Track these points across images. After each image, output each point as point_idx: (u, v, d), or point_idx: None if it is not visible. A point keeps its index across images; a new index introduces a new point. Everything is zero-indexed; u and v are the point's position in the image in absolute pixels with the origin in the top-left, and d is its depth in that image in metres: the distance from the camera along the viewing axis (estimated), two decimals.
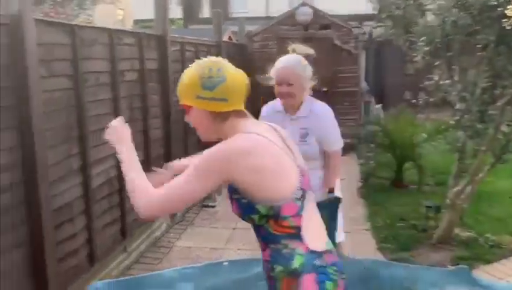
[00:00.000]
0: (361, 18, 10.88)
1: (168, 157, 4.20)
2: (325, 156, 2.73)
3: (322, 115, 2.71)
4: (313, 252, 1.45)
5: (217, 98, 1.45)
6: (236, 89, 1.48)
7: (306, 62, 2.64)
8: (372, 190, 5.56)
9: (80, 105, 3.08)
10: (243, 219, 1.50)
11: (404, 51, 4.20)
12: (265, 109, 2.87)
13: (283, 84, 2.61)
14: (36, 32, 2.59)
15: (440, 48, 3.55)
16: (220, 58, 1.53)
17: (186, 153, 3.84)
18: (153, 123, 4.21)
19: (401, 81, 10.05)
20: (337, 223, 2.46)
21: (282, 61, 2.64)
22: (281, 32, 8.01)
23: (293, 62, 2.62)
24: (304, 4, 8.37)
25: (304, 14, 8.15)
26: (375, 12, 4.78)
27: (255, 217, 1.45)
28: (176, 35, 5.06)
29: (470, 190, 3.93)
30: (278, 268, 1.46)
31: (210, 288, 2.35)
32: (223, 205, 4.97)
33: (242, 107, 1.52)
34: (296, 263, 1.44)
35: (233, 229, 4.43)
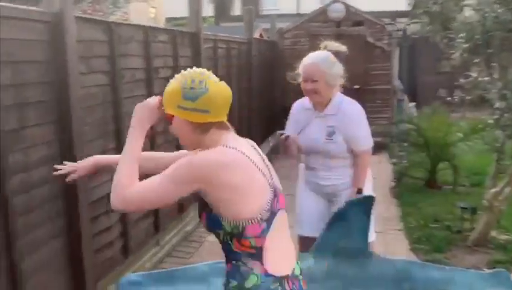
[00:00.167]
0: (395, 14, 10.68)
1: None
2: (354, 156, 2.69)
3: (350, 114, 2.65)
4: (270, 275, 1.46)
5: (198, 109, 1.44)
6: (218, 101, 1.46)
7: (335, 59, 2.60)
8: (405, 190, 5.46)
9: (116, 101, 3.15)
10: (210, 231, 1.52)
11: (441, 48, 4.10)
12: (294, 106, 2.86)
13: (308, 80, 2.60)
14: (76, 30, 2.66)
15: (480, 44, 3.44)
16: (204, 70, 1.51)
17: None
18: None
19: (435, 79, 9.81)
20: (371, 223, 2.42)
21: (308, 58, 2.62)
22: (312, 29, 7.96)
23: (319, 59, 2.59)
24: (336, 1, 8.28)
25: (336, 11, 8.07)
26: (410, 8, 4.68)
27: (220, 232, 1.47)
28: (209, 33, 5.10)
29: (509, 191, 3.80)
30: (232, 283, 1.48)
31: None
32: None
33: (224, 119, 1.51)
34: (250, 282, 1.45)
35: None
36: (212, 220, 1.46)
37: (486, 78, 3.71)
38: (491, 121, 3.78)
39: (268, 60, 7.71)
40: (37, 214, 2.43)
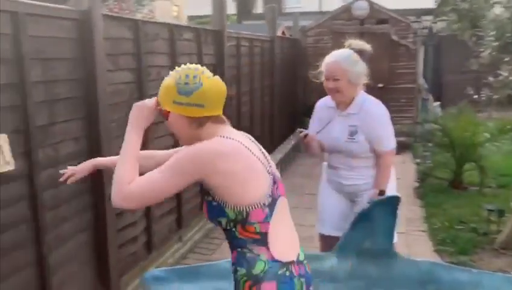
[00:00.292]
0: (419, 12, 10.52)
1: None
2: (376, 156, 2.65)
3: (373, 113, 2.61)
4: (277, 261, 1.48)
5: (193, 103, 1.46)
6: (213, 95, 1.49)
7: (358, 57, 2.56)
8: (429, 191, 5.37)
9: (142, 98, 3.17)
10: (211, 221, 1.53)
11: (469, 46, 4.01)
12: (318, 104, 2.84)
13: (330, 79, 2.57)
14: (103, 27, 2.70)
15: (510, 42, 3.36)
16: (198, 66, 1.53)
17: None
18: None
19: (461, 78, 9.61)
20: (396, 223, 2.39)
21: (331, 56, 2.60)
22: (335, 27, 7.89)
23: (341, 57, 2.56)
24: None
25: (360, 9, 7.98)
26: (435, 6, 4.59)
27: (223, 220, 1.48)
28: (232, 31, 5.11)
29: None
30: (241, 271, 1.50)
31: None
32: None
33: (219, 113, 1.53)
34: (258, 269, 1.47)
35: None
36: (215, 208, 1.48)
37: None
38: None
39: (290, 58, 7.68)
40: (64, 208, 2.48)
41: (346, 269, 2.30)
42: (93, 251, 2.74)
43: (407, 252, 3.29)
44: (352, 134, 2.61)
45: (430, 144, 6.23)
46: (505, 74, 3.70)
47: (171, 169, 1.44)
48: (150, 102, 1.57)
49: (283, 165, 6.31)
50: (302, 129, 2.70)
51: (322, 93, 2.77)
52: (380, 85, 7.26)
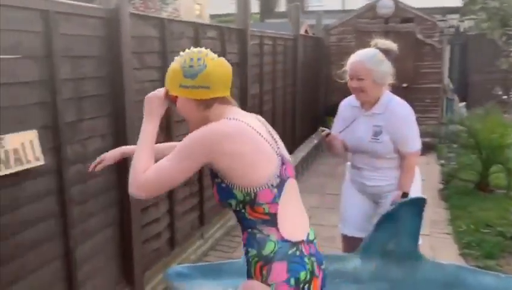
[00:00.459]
0: (445, 11, 10.32)
1: None
2: (401, 157, 2.61)
3: (398, 113, 2.56)
4: (287, 241, 1.49)
5: (198, 85, 1.49)
6: (218, 76, 1.51)
7: (383, 57, 2.53)
8: (454, 193, 5.27)
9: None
10: (221, 204, 1.55)
11: (499, 46, 3.92)
12: (342, 103, 2.82)
13: (354, 78, 2.55)
14: (130, 26, 2.73)
15: None
16: (202, 49, 1.55)
17: None
18: None
19: (488, 78, 9.39)
20: (422, 225, 2.36)
21: (356, 55, 2.57)
22: (360, 26, 7.82)
23: (366, 56, 2.53)
24: None
25: (385, 7, 7.88)
26: (461, 5, 4.50)
27: (232, 202, 1.50)
28: (255, 29, 5.11)
29: None
30: (252, 252, 1.51)
31: None
32: None
33: (226, 94, 1.56)
34: (268, 249, 1.48)
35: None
36: (224, 190, 1.50)
37: None
38: None
39: (313, 56, 7.64)
40: (91, 203, 2.53)
41: (371, 270, 2.28)
42: (118, 246, 2.78)
43: (432, 255, 3.24)
44: (377, 134, 2.57)
45: (455, 145, 6.12)
46: None
47: (179, 154, 1.47)
48: (159, 91, 1.61)
49: (304, 164, 6.28)
50: (324, 128, 2.69)
51: (345, 92, 2.75)
52: (404, 85, 7.16)
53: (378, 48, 2.57)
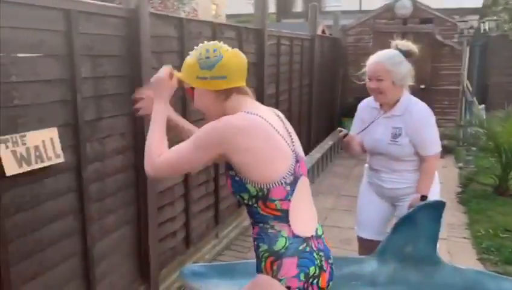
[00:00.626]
0: (464, 12, 10.16)
1: None
2: (420, 160, 2.57)
3: (418, 115, 2.53)
4: (298, 237, 1.50)
5: (216, 76, 1.52)
6: (234, 66, 1.54)
7: (403, 58, 2.50)
8: (472, 196, 5.18)
9: (185, 96, 3.23)
10: (235, 197, 1.57)
11: None
12: (361, 104, 2.80)
13: (373, 79, 2.52)
14: (150, 25, 2.75)
15: None
16: (216, 41, 1.59)
17: None
18: None
19: (509, 80, 9.24)
20: (441, 229, 2.33)
21: (375, 56, 2.54)
22: (378, 26, 7.76)
23: (385, 57, 2.50)
24: None
25: (404, 8, 7.80)
26: (481, 6, 4.41)
27: (245, 196, 1.52)
28: (272, 29, 5.11)
29: None
30: (262, 247, 1.52)
31: None
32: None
33: (242, 84, 1.58)
34: (280, 245, 1.49)
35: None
36: (238, 183, 1.51)
37: None
38: None
39: (330, 57, 7.60)
40: (110, 201, 2.55)
41: (388, 273, 2.26)
42: (135, 244, 2.80)
43: (449, 260, 3.20)
44: (395, 136, 2.55)
45: (473, 148, 6.02)
46: None
47: (196, 142, 1.51)
48: (161, 72, 1.68)
49: (320, 165, 6.25)
50: (341, 128, 2.67)
51: (362, 93, 2.73)
52: (422, 86, 7.08)
53: (398, 49, 2.54)
